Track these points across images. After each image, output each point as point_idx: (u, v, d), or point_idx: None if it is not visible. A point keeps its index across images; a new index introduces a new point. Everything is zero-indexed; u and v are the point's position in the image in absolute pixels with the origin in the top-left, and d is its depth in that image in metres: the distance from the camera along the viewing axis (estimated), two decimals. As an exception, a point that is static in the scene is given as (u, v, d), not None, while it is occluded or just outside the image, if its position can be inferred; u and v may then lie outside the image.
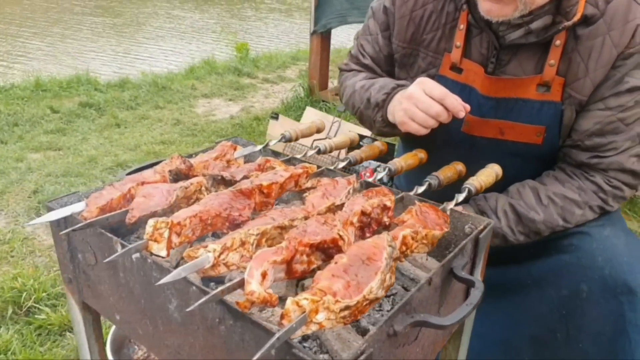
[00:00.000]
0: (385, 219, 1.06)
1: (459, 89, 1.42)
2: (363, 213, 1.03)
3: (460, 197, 1.16)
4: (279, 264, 0.86)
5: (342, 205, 1.12)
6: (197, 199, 1.15)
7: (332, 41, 4.85)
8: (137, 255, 0.93)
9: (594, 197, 1.35)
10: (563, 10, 1.25)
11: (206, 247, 0.90)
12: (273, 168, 1.29)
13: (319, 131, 1.57)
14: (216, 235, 1.14)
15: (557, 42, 1.28)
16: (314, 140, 3.20)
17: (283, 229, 1.00)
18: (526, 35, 1.29)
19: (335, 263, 0.86)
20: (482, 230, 1.03)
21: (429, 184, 1.23)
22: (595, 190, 1.35)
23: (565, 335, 1.36)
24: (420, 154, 1.39)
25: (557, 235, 1.38)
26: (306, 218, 1.03)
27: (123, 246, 0.95)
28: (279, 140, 1.46)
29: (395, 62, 1.57)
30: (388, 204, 1.06)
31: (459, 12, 1.41)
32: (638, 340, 1.29)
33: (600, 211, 1.37)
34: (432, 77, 1.46)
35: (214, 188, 1.18)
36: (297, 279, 1.02)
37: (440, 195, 1.21)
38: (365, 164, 3.18)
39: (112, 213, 1.02)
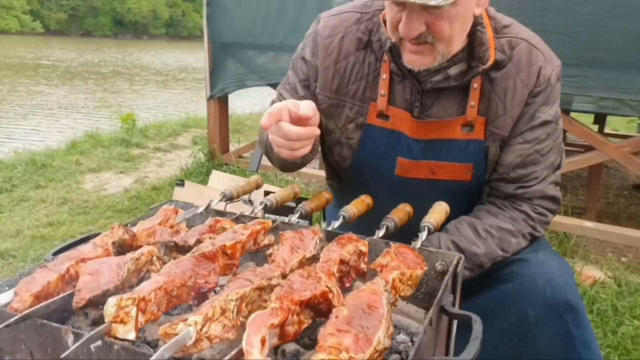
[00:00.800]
0: (362, 265, 1.02)
1: (387, 135, 1.47)
2: (342, 261, 0.98)
3: (423, 235, 1.15)
4: (276, 327, 0.77)
5: (313, 257, 1.06)
6: (149, 271, 1.01)
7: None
8: (99, 343, 0.77)
9: (525, 225, 1.43)
10: (477, 56, 1.37)
11: (185, 320, 0.78)
12: (224, 229, 1.19)
13: (258, 187, 1.50)
14: (167, 314, 1.01)
15: (475, 85, 1.39)
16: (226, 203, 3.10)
17: (262, 289, 0.91)
18: (446, 79, 1.38)
19: (336, 317, 0.79)
20: (457, 265, 1.03)
21: (387, 227, 1.22)
22: (525, 219, 1.44)
23: None
24: (367, 200, 1.38)
25: (497, 266, 1.43)
26: (283, 276, 0.95)
27: (77, 335, 0.79)
28: (220, 200, 1.37)
29: (321, 113, 1.57)
30: (363, 249, 1.02)
31: (379, 62, 1.47)
32: (587, 356, 1.35)
33: (530, 238, 1.45)
34: (360, 125, 1.49)
35: (167, 256, 1.06)
36: (284, 343, 0.92)
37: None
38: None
39: (53, 299, 0.86)
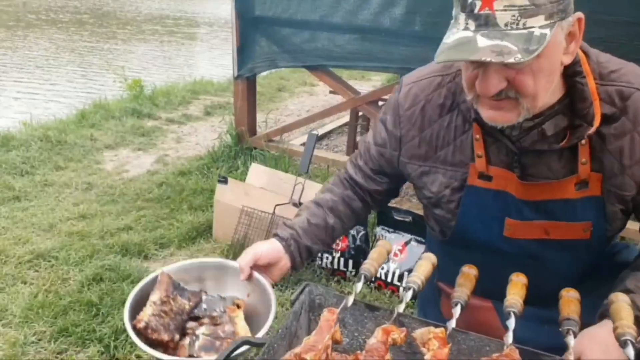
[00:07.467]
0: None
1: (492, 195, 1.38)
2: None
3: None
4: None
5: None
6: None
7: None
8: None
9: None
10: (580, 113, 1.24)
11: None
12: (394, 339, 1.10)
13: (388, 253, 1.41)
14: None
15: (583, 141, 1.25)
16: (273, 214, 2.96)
17: None
18: (545, 140, 1.27)
19: None
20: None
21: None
22: None
23: None
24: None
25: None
26: None
27: None
28: (364, 282, 1.27)
29: (412, 182, 1.53)
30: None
31: (469, 124, 1.37)
32: None
33: None
34: (456, 188, 1.42)
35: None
36: None
37: None
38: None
39: None
